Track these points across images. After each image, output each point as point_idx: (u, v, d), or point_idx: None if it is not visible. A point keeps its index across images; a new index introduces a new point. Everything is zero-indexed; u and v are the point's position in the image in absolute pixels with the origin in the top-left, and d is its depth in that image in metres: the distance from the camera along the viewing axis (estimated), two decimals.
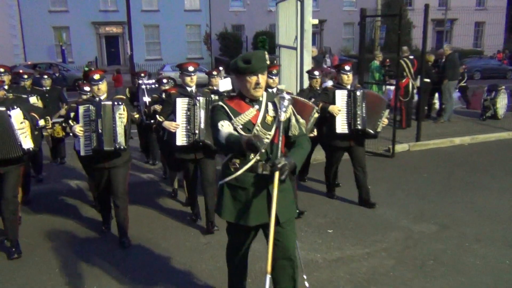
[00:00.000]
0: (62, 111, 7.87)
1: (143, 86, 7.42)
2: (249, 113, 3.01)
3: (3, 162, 4.53)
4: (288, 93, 3.56)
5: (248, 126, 2.98)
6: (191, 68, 5.05)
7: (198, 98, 4.95)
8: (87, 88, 5.76)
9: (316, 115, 5.25)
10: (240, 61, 2.94)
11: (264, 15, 31.88)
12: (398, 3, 31.28)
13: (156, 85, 7.42)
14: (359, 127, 5.51)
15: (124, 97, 5.43)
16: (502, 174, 7.19)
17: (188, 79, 5.04)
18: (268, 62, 2.97)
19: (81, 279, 4.18)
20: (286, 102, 2.96)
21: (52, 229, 5.40)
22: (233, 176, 2.99)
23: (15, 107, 4.58)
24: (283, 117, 2.95)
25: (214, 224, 5.19)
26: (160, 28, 31.12)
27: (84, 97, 5.58)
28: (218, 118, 3.00)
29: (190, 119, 4.91)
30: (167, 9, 30.53)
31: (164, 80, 7.26)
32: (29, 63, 24.47)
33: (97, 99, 4.74)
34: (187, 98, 4.96)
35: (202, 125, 4.90)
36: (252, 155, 2.92)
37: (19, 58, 27.67)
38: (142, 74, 8.46)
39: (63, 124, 5.19)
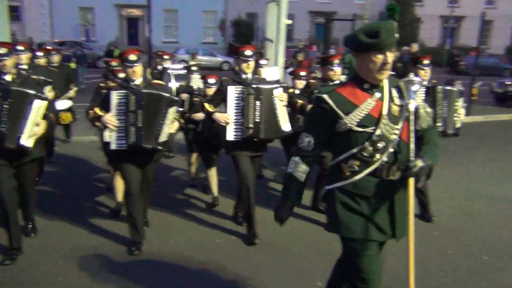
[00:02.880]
0: (71, 93, 7.04)
1: (170, 71, 6.80)
2: (367, 105, 2.38)
3: (16, 155, 3.93)
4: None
5: (366, 122, 2.37)
6: (248, 53, 4.32)
7: (254, 86, 4.27)
8: (122, 75, 4.82)
9: None
10: (362, 34, 2.29)
11: None
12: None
13: (185, 71, 6.59)
14: (440, 129, 4.84)
15: (164, 83, 4.62)
16: (480, 145, 9.78)
17: (244, 65, 4.34)
18: (397, 36, 2.31)
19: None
20: (415, 87, 2.41)
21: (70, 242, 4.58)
22: (351, 180, 2.44)
23: (44, 98, 3.89)
24: (413, 106, 2.39)
25: (256, 235, 4.49)
26: (178, 13, 32.79)
27: (112, 83, 4.61)
28: (309, 125, 2.51)
29: (244, 111, 4.26)
30: None
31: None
32: (56, 40, 25.93)
33: (133, 84, 4.04)
34: (241, 86, 4.30)
35: (258, 119, 4.24)
36: (377, 156, 2.38)
37: (47, 36, 29.56)
38: (166, 57, 7.58)
39: (89, 110, 4.17)
